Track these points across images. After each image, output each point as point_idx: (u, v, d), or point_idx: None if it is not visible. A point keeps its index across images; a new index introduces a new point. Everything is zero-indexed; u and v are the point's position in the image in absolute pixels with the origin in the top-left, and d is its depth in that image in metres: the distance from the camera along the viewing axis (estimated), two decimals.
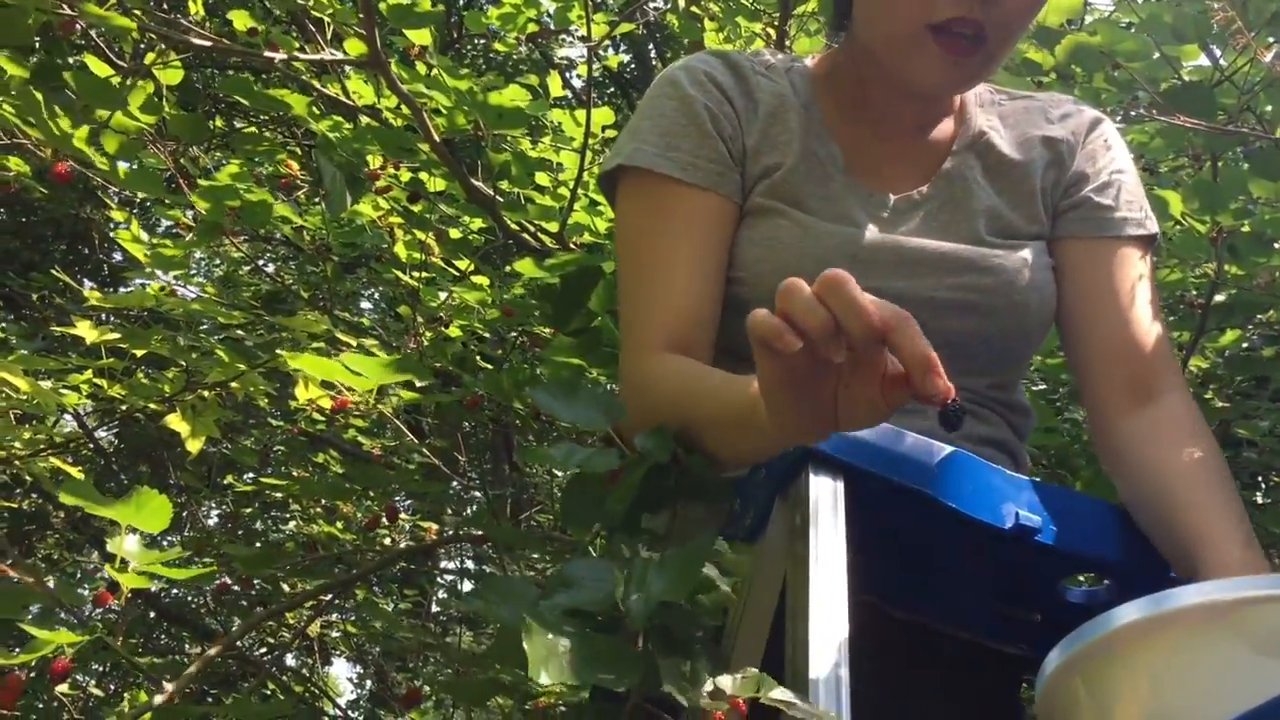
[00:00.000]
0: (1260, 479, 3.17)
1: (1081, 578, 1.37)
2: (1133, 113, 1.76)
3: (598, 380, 1.55)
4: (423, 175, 2.11)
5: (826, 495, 0.91)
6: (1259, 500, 3.23)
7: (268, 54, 1.73)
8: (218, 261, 5.14)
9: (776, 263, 1.09)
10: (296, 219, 2.61)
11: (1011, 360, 1.17)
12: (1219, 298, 2.04)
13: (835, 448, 0.91)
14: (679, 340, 1.07)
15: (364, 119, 1.96)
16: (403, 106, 1.96)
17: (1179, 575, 0.96)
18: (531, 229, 2.21)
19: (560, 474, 3.36)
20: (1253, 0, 1.34)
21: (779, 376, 0.77)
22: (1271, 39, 1.54)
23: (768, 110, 1.16)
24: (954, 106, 1.21)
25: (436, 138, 1.85)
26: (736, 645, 0.89)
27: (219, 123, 4.75)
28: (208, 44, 1.82)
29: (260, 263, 3.96)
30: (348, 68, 1.90)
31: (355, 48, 1.88)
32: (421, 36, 1.95)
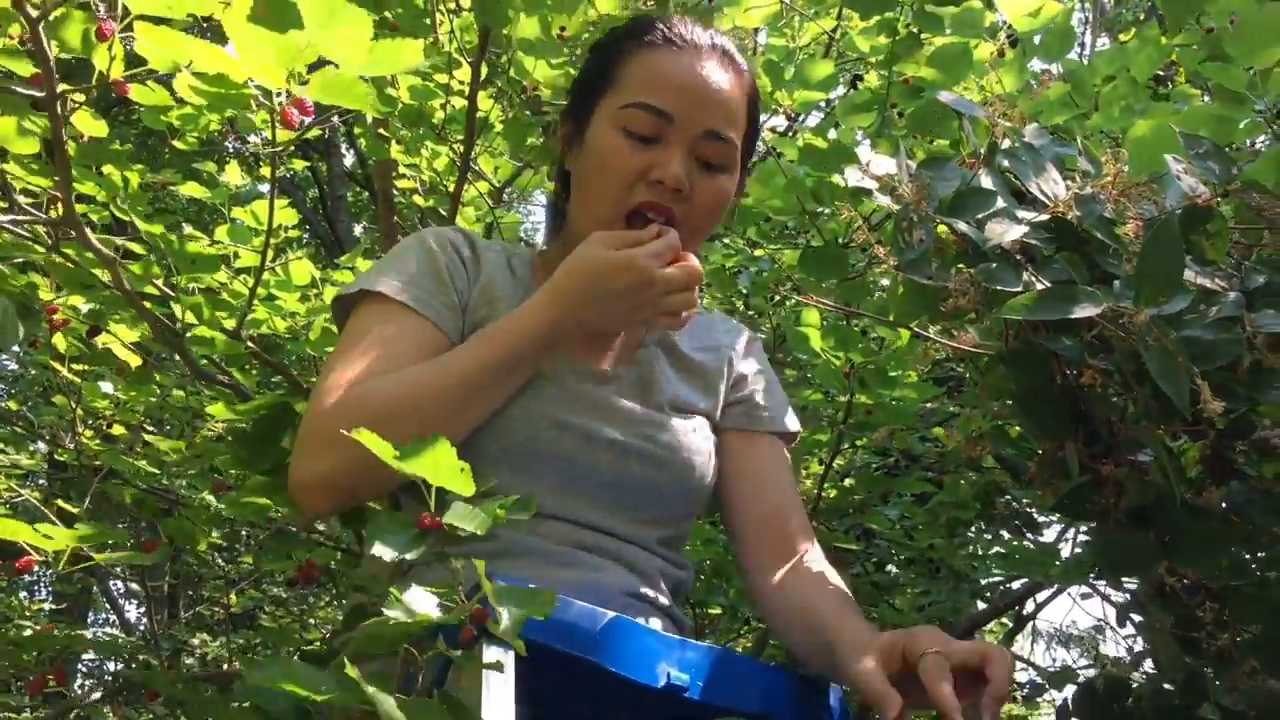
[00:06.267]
0: (888, 563, 3.53)
1: None
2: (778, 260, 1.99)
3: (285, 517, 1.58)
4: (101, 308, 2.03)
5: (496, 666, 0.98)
6: (892, 572, 3.59)
7: None
8: None
9: None
10: None
11: (679, 512, 1.33)
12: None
13: None
14: None
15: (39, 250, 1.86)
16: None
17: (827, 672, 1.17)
18: (220, 367, 2.16)
19: (228, 568, 3.23)
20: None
21: None
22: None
23: (488, 275, 1.33)
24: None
25: (127, 285, 1.79)
26: None
27: None
28: None
29: None
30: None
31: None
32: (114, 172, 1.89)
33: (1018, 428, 1.43)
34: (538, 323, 1.20)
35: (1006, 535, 2.75)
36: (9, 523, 1.03)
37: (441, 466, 0.92)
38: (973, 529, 2.93)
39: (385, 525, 0.94)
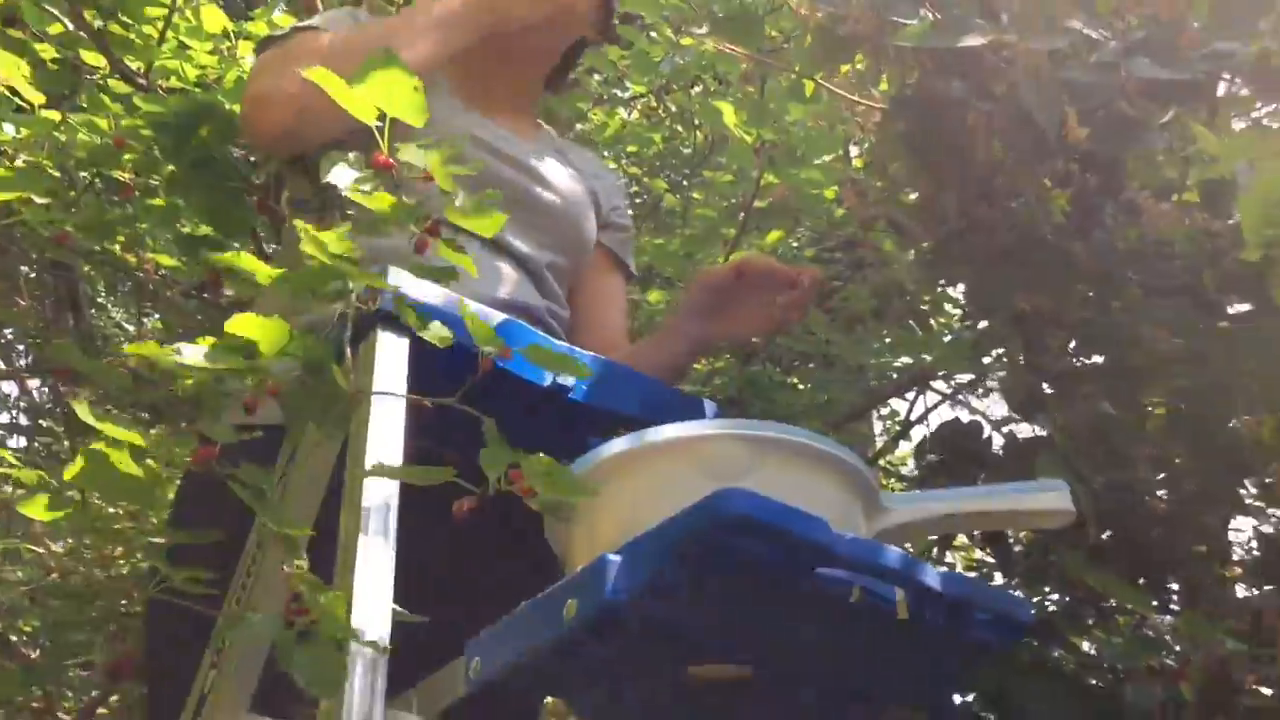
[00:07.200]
0: (795, 363, 3.65)
1: None
2: (697, 29, 2.00)
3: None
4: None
5: (391, 352, 1.03)
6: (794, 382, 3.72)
7: None
8: None
9: None
10: None
11: (571, 241, 1.41)
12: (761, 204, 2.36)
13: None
14: None
15: None
16: None
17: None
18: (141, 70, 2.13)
19: (130, 327, 3.23)
20: None
21: None
22: None
23: None
24: (536, 118, 1.53)
25: None
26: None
27: None
28: None
29: None
30: None
31: None
32: None
33: (910, 194, 1.48)
34: None
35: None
36: None
37: (396, 93, 0.92)
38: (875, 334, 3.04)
39: (339, 159, 0.95)
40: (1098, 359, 1.15)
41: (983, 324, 1.32)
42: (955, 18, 1.07)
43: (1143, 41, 1.13)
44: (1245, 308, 1.26)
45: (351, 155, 0.98)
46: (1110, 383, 1.11)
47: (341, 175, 0.96)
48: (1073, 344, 1.14)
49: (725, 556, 0.74)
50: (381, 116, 0.95)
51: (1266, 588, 1.21)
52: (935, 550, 1.71)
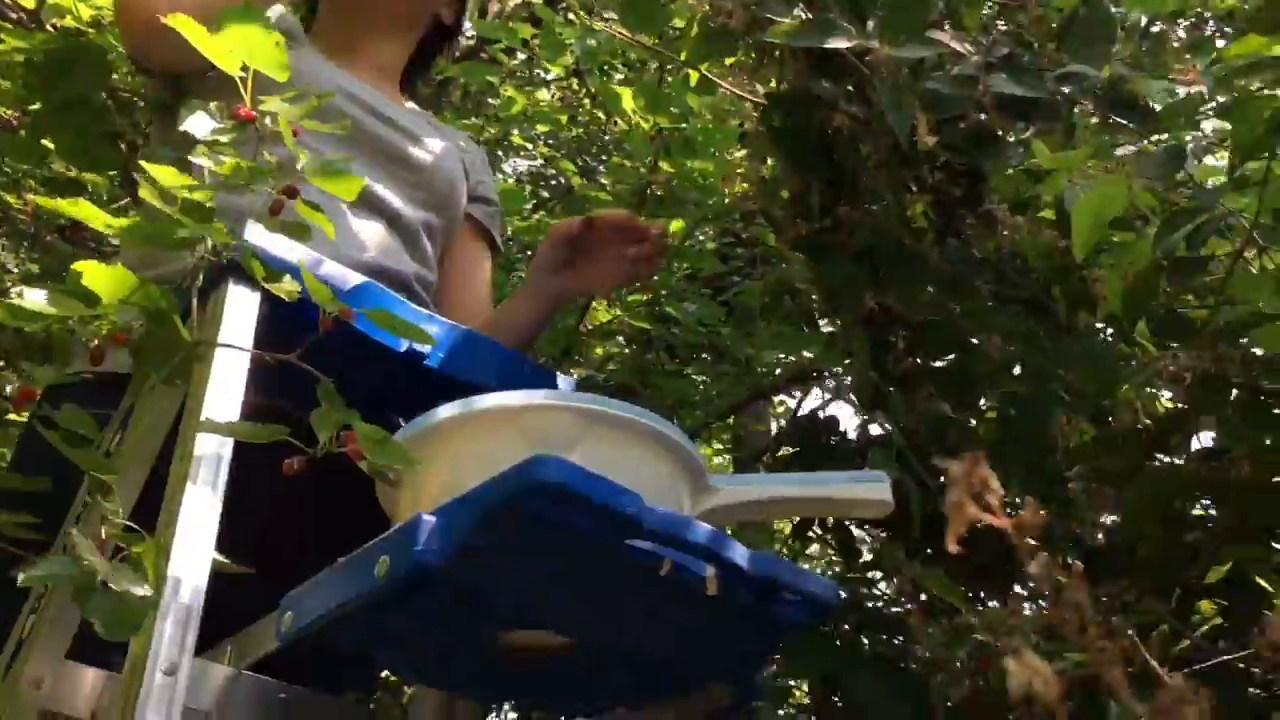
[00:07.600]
0: (691, 354, 3.68)
1: None
2: (607, 14, 2.01)
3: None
4: None
5: (240, 306, 1.02)
6: (688, 373, 3.75)
7: None
8: None
9: None
10: None
11: (445, 204, 1.42)
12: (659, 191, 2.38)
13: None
14: None
15: None
16: None
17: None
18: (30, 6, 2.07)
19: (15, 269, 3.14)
20: None
21: None
22: None
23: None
24: (404, 94, 1.53)
25: None
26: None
27: None
28: None
29: None
30: None
31: None
32: None
33: (785, 191, 1.51)
34: None
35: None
36: None
37: (257, 47, 0.91)
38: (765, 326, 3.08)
39: (199, 107, 0.94)
40: (941, 362, 1.18)
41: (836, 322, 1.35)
42: (824, 19, 1.10)
43: (1005, 58, 1.17)
44: (1097, 324, 1.32)
45: (212, 104, 0.98)
46: (949, 385, 1.14)
47: (199, 125, 0.95)
48: (916, 345, 1.18)
49: (537, 523, 0.75)
50: (246, 66, 0.94)
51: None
52: (793, 539, 1.75)
